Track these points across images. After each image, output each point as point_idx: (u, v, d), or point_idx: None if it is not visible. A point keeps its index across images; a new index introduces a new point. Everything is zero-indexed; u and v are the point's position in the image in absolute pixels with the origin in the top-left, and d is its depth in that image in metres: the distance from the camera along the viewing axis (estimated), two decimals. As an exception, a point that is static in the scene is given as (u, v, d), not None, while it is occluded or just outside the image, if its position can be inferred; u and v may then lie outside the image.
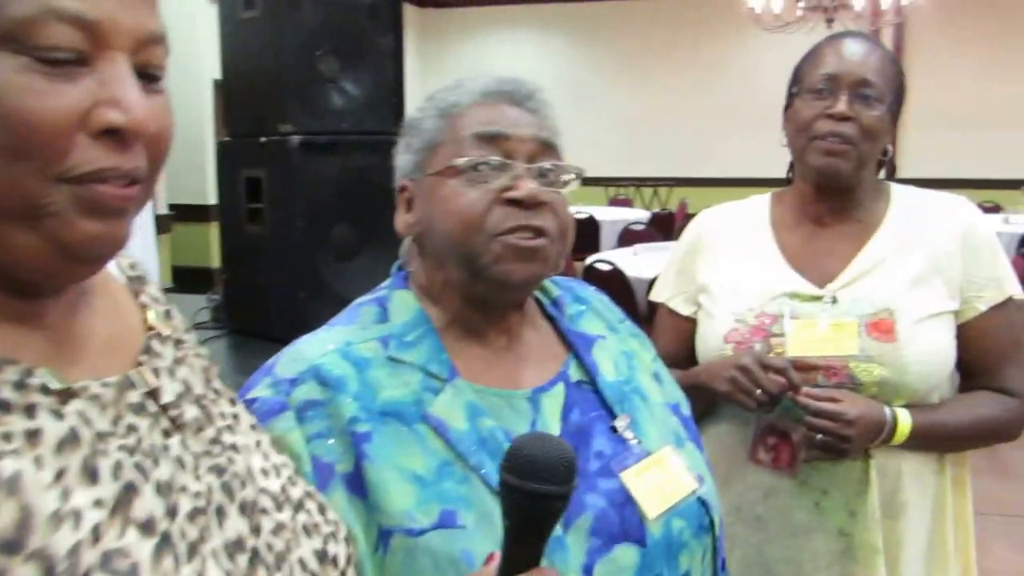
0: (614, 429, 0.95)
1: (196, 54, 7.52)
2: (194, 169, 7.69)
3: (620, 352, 1.05)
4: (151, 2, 0.58)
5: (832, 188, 1.39)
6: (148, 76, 0.57)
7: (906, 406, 1.31)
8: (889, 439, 1.29)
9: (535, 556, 0.68)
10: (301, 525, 0.70)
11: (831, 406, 1.25)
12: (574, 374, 0.99)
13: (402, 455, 0.84)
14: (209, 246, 7.79)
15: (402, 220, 0.98)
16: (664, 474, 0.93)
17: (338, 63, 2.42)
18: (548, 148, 0.94)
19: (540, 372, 0.98)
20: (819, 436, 1.26)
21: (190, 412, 0.65)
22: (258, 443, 0.73)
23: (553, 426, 0.93)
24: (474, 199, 0.89)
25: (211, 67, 7.48)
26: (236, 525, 0.63)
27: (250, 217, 2.46)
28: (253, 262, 2.47)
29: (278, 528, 0.67)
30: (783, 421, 1.32)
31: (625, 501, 0.89)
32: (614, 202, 10.44)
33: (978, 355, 1.37)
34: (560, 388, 0.97)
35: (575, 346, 1.02)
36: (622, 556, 0.86)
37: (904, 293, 1.33)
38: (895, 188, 1.46)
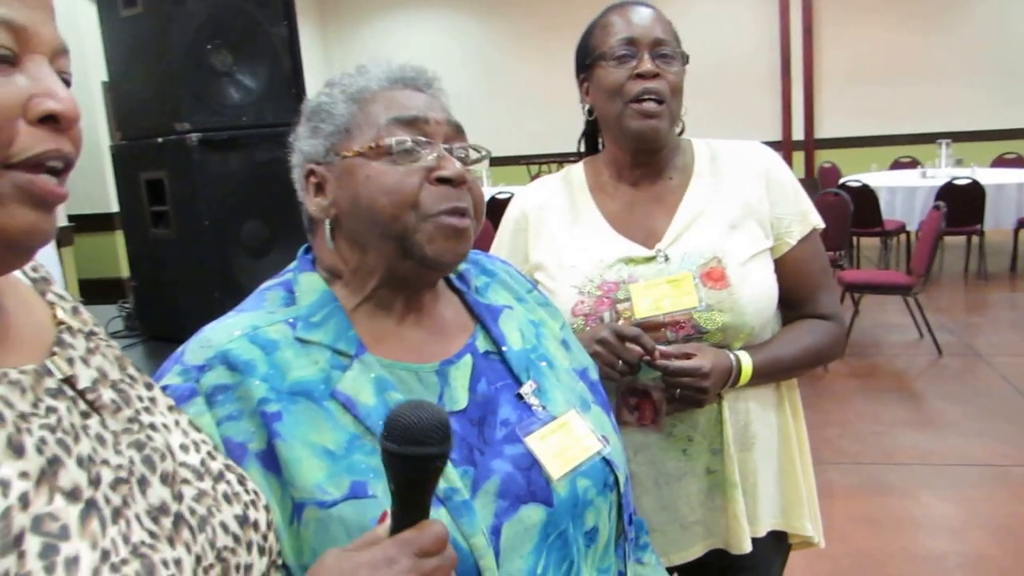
0: (520, 396, 0.99)
1: (83, 58, 7.21)
2: (92, 176, 7.39)
3: (527, 321, 1.09)
4: (55, 18, 0.68)
5: (650, 149, 1.47)
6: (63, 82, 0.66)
7: (745, 346, 1.43)
8: (736, 381, 1.39)
9: (422, 511, 0.73)
10: (221, 494, 0.75)
11: (687, 363, 1.34)
12: (481, 345, 1.03)
13: (312, 432, 0.86)
14: (116, 255, 7.51)
15: (315, 204, 0.99)
16: (569, 437, 0.97)
17: (231, 56, 2.37)
18: (459, 131, 0.99)
19: (448, 345, 1.01)
20: (678, 391, 1.35)
21: (107, 395, 0.71)
22: (176, 422, 0.78)
23: (461, 397, 0.96)
24: (404, 178, 0.92)
25: (99, 70, 7.19)
26: (159, 493, 0.69)
27: (155, 221, 2.39)
28: (162, 266, 2.41)
29: (200, 495, 0.72)
30: (641, 381, 1.39)
31: (531, 465, 0.93)
32: (536, 180, 10.39)
33: (795, 286, 1.49)
34: (468, 359, 1.00)
35: (482, 317, 1.05)
36: (528, 516, 0.90)
37: (726, 239, 1.43)
38: (695, 142, 1.55)
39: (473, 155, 1.00)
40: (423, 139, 0.94)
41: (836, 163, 9.59)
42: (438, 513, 0.84)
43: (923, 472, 3.72)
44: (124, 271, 7.23)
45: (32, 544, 0.56)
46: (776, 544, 1.52)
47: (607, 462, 0.99)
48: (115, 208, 7.56)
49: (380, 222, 0.93)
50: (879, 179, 7.72)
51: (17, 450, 0.59)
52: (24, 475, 0.59)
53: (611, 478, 1.00)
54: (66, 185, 0.65)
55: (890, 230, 7.28)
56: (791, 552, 1.59)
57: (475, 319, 1.06)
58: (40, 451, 0.61)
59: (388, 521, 0.73)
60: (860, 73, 10.72)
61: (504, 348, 1.02)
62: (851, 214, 6.16)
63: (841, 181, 7.61)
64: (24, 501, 0.58)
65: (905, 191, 7.31)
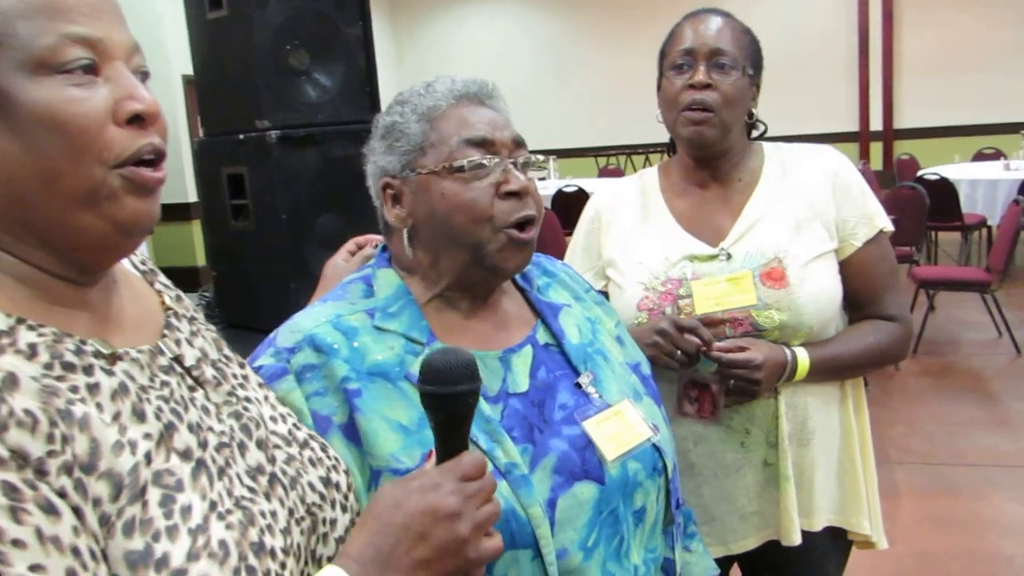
0: (578, 385, 1.07)
1: (164, 52, 7.48)
2: (169, 167, 7.56)
3: (584, 318, 1.17)
4: (124, 20, 0.75)
5: (705, 155, 1.52)
6: (140, 75, 0.74)
7: (804, 344, 1.46)
8: (792, 376, 1.44)
9: (462, 444, 0.82)
10: (307, 458, 0.86)
11: (740, 355, 1.39)
12: (542, 338, 1.11)
13: (388, 408, 0.96)
14: (192, 245, 7.78)
15: (393, 214, 1.08)
16: (622, 424, 1.05)
17: (309, 56, 2.48)
18: (520, 144, 1.07)
19: (511, 336, 1.09)
20: (732, 382, 1.40)
21: (208, 372, 0.82)
22: (266, 397, 0.89)
23: (523, 381, 1.05)
24: (477, 195, 1.02)
25: (180, 64, 7.45)
26: (255, 456, 0.80)
27: (234, 213, 2.51)
28: (241, 257, 2.53)
29: (289, 459, 0.83)
30: (701, 374, 1.44)
31: (586, 445, 1.01)
32: (604, 172, 10.33)
33: (860, 288, 1.52)
34: (528, 349, 1.08)
35: (543, 313, 1.14)
36: (582, 492, 0.98)
37: (789, 240, 1.46)
38: (767, 146, 1.60)
39: (533, 163, 1.09)
40: (493, 158, 1.03)
41: (916, 154, 9.32)
42: (500, 485, 0.91)
43: (994, 473, 3.64)
44: (199, 260, 7.49)
45: (153, 495, 0.67)
46: (833, 540, 1.54)
47: (656, 448, 1.07)
48: (192, 198, 7.77)
49: (457, 235, 1.03)
50: (959, 171, 7.47)
51: (140, 416, 0.70)
52: (147, 436, 0.69)
53: (660, 463, 1.07)
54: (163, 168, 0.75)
55: (970, 224, 7.06)
56: (854, 550, 1.60)
57: (536, 315, 1.14)
58: (158, 417, 0.71)
59: (433, 458, 0.82)
60: (943, 60, 10.38)
61: (563, 341, 1.10)
62: (927, 208, 6.00)
63: (919, 174, 7.40)
64: (147, 458, 0.68)
65: (987, 184, 7.06)
